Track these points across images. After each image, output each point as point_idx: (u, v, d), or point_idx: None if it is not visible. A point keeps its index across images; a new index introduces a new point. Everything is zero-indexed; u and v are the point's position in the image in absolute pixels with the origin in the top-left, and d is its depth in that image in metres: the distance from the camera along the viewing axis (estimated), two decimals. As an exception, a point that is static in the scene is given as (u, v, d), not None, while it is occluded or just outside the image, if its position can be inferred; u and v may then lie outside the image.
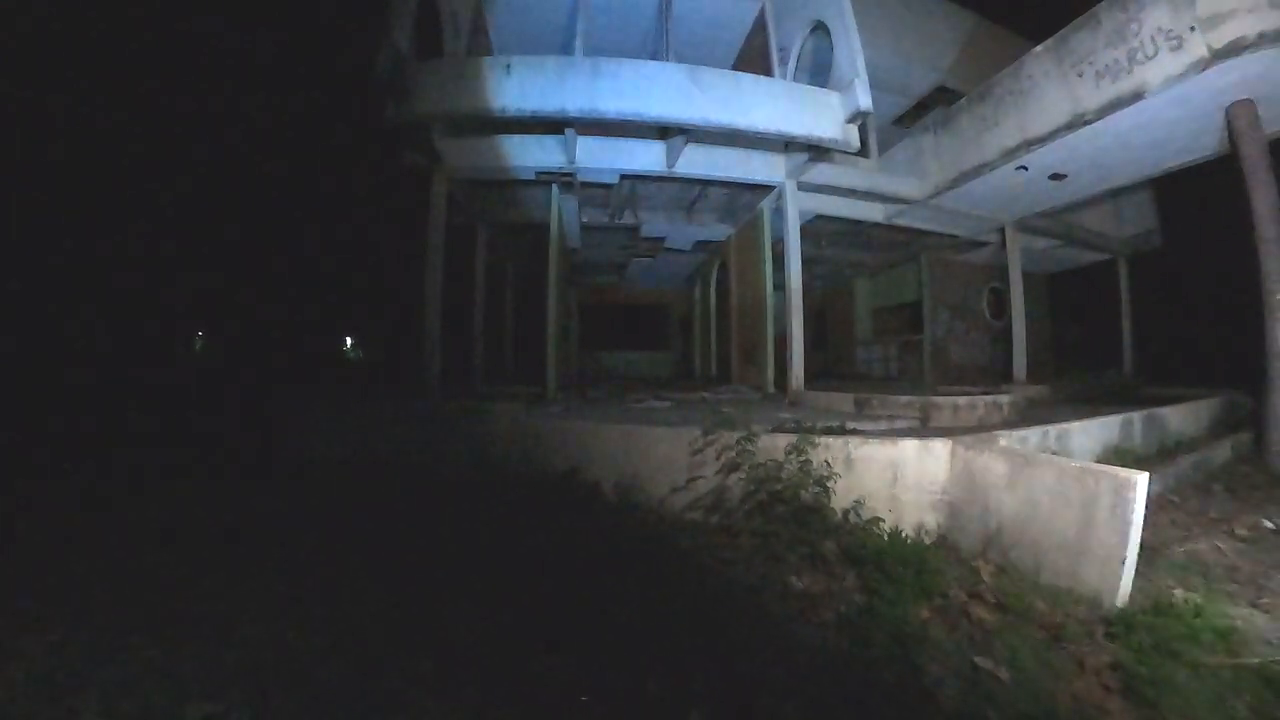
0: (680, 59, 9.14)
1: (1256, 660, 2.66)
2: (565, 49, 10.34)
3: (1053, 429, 5.46)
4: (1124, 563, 3.18)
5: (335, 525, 4.58)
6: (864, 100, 7.73)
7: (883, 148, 11.42)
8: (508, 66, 7.46)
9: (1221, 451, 6.70)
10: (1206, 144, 7.92)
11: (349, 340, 39.10)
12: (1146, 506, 3.25)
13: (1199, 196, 12.77)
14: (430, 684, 2.60)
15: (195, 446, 7.32)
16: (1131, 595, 3.22)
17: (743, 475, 4.54)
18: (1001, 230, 12.48)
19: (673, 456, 5.12)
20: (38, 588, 3.47)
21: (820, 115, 8.04)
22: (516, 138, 9.01)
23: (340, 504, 5.05)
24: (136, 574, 3.67)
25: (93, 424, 8.79)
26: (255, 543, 4.19)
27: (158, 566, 3.78)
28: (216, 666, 2.71)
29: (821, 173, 9.73)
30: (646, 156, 9.24)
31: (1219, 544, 4.26)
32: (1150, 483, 3.31)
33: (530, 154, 9.09)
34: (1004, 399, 6.71)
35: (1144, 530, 3.26)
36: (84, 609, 3.22)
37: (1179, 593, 3.17)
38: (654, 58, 10.26)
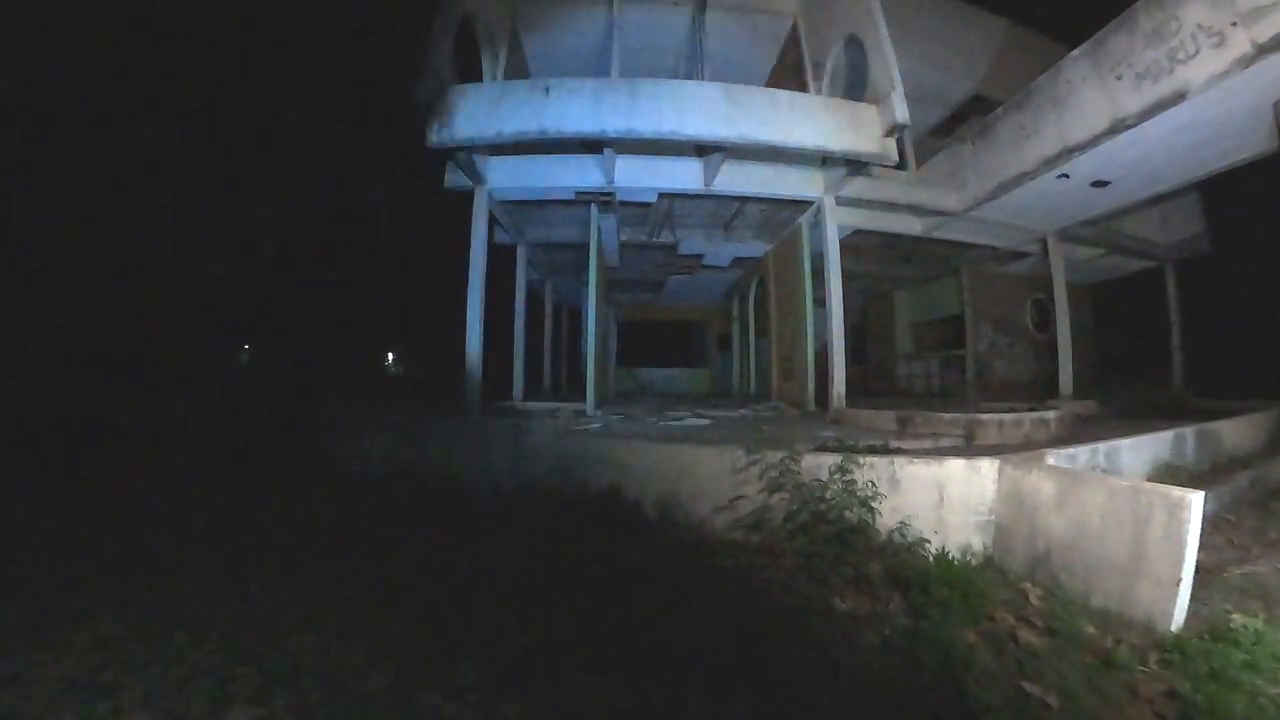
0: (714, 77, 9.22)
1: (1320, 689, 2.59)
2: (600, 70, 10.48)
3: (1102, 446, 5.34)
4: (1178, 585, 3.11)
5: (378, 536, 4.69)
6: (901, 113, 7.70)
7: (920, 160, 11.36)
8: (547, 89, 7.62)
9: (1281, 468, 6.49)
10: (1255, 143, 7.71)
11: (390, 355, 39.80)
12: (1201, 526, 3.18)
13: (1249, 198, 12.45)
14: (471, 697, 2.64)
15: (242, 457, 7.53)
16: (1187, 620, 3.14)
17: (786, 495, 4.53)
18: (1043, 240, 12.28)
19: (715, 475, 5.12)
20: (89, 585, 3.63)
21: (857, 129, 8.03)
22: (556, 158, 9.15)
23: (383, 516, 5.16)
24: (182, 577, 3.81)
25: (143, 433, 9.08)
26: (299, 551, 4.31)
27: (203, 571, 3.92)
28: (260, 672, 2.79)
29: (859, 187, 9.71)
30: (684, 175, 9.32)
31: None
32: (1205, 502, 3.23)
33: (569, 174, 9.23)
34: (1050, 415, 6.61)
35: (1199, 551, 3.19)
36: (131, 608, 3.37)
37: (1237, 617, 3.08)
38: (688, 76, 10.37)
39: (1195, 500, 3.16)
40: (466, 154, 8.23)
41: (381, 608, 3.41)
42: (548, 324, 17.04)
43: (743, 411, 9.72)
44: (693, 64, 10.31)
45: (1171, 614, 3.12)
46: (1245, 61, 6.06)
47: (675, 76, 10.66)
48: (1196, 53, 6.47)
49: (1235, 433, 7.05)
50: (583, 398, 9.67)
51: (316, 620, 3.27)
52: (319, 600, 3.52)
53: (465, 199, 9.15)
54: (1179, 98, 6.75)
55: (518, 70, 10.39)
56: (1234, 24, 6.06)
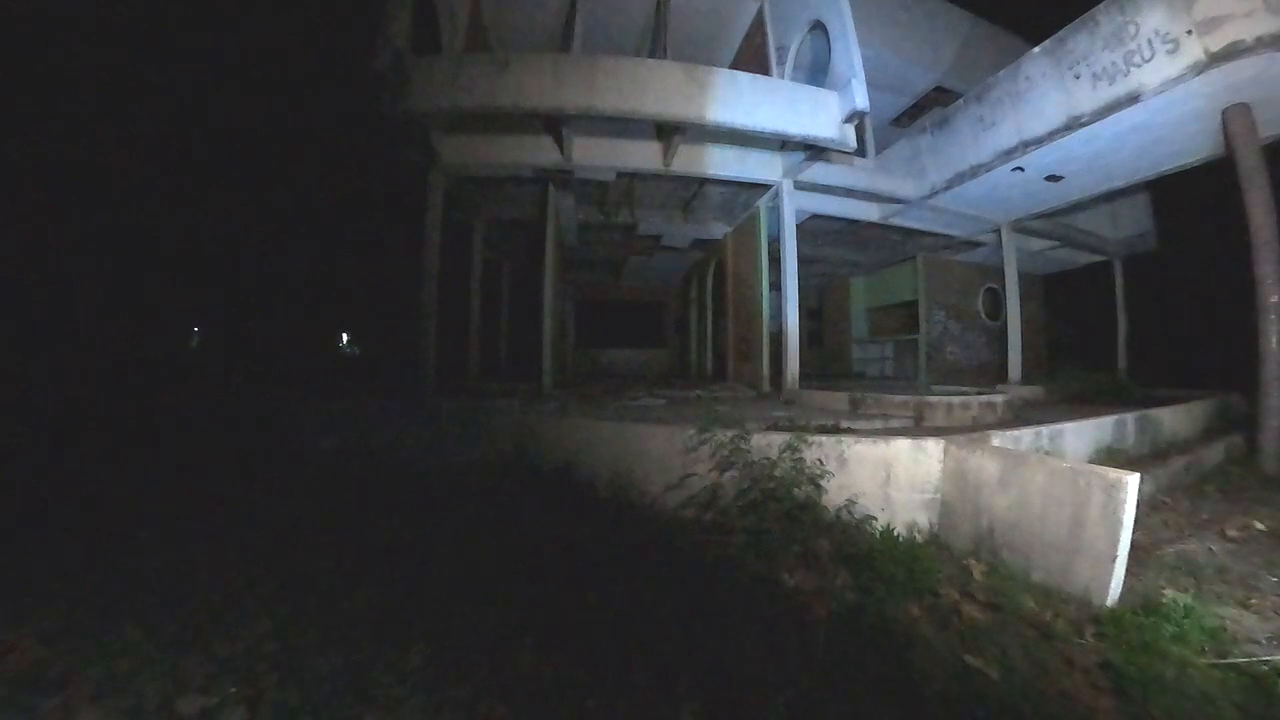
0: (678, 57, 9.13)
1: (1245, 660, 2.67)
2: (563, 45, 10.31)
3: (1046, 429, 5.47)
4: (1114, 562, 3.19)
5: (330, 520, 4.60)
6: (861, 100, 7.73)
7: (880, 148, 11.45)
8: (505, 64, 7.45)
9: (1214, 453, 6.71)
10: (1203, 147, 7.93)
11: (345, 336, 39.10)
12: (1138, 507, 3.27)
13: (1195, 199, 12.81)
14: (422, 679, 2.62)
15: (193, 442, 7.31)
16: (1122, 595, 3.24)
17: (736, 473, 4.54)
18: (997, 231, 12.49)
19: (667, 454, 5.12)
20: (35, 580, 3.48)
21: (817, 114, 8.04)
22: (514, 135, 8.98)
23: (336, 499, 5.06)
24: (132, 567, 3.68)
25: (90, 421, 8.77)
26: (250, 537, 4.20)
27: (153, 559, 3.80)
28: (210, 659, 2.73)
29: (818, 172, 9.74)
30: (643, 154, 9.22)
31: (1210, 545, 4.27)
32: (1142, 483, 3.32)
33: (527, 151, 9.06)
34: (998, 399, 6.72)
35: (1135, 530, 3.28)
36: (78, 602, 3.24)
37: (1169, 593, 3.18)
38: (651, 56, 10.25)
39: (1131, 482, 3.24)
40: (422, 129, 8.03)
41: (332, 592, 3.34)
42: (504, 304, 16.84)
43: (698, 392, 9.73)
44: (656, 43, 10.20)
45: (1107, 589, 3.20)
46: (1198, 69, 6.24)
47: (639, 55, 10.55)
48: (1152, 57, 6.62)
49: (1174, 420, 7.26)
50: (539, 378, 9.59)
51: (268, 606, 3.20)
52: (270, 586, 3.44)
53: (419, 177, 8.94)
54: (1133, 100, 6.91)
55: (478, 44, 10.16)
56: (1189, 32, 6.22)
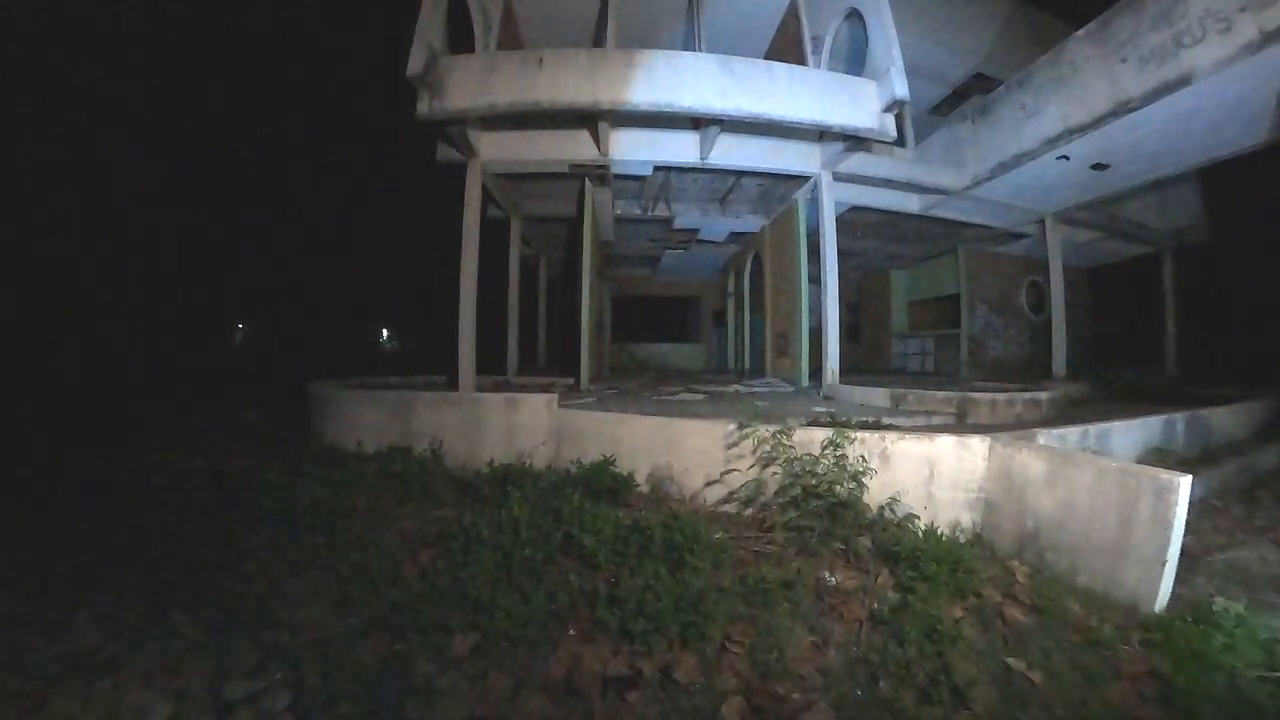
0: (712, 49, 9.07)
1: (1299, 673, 2.61)
2: (597, 41, 10.32)
3: (1092, 428, 5.35)
4: (1164, 567, 3.12)
5: (370, 511, 4.73)
6: (900, 89, 7.61)
7: (919, 137, 11.27)
8: (540, 60, 7.49)
9: (1269, 456, 6.47)
10: (1258, 132, 7.68)
11: (385, 331, 39.73)
12: (1188, 510, 3.18)
13: (1250, 188, 12.40)
14: (464, 667, 2.69)
15: (236, 435, 7.50)
16: (1170, 602, 3.16)
17: (778, 469, 4.52)
18: (1041, 222, 12.28)
19: (707, 449, 5.13)
20: (86, 569, 3.62)
21: (855, 104, 7.94)
22: (550, 131, 9.03)
23: (375, 491, 5.18)
24: (176, 556, 3.82)
25: (128, 413, 9.06)
26: (292, 527, 4.30)
27: (197, 549, 3.93)
28: (255, 646, 2.83)
29: (857, 163, 9.63)
30: (679, 148, 9.21)
31: (1264, 553, 4.15)
32: (1193, 486, 3.23)
33: (563, 147, 9.12)
34: (1043, 396, 6.61)
35: (1185, 535, 3.20)
36: (128, 588, 3.37)
37: (1220, 601, 3.09)
38: (685, 48, 10.22)
39: (1183, 484, 3.15)
40: (459, 127, 8.11)
41: (374, 581, 3.42)
42: (542, 298, 16.98)
43: (736, 387, 9.73)
44: (690, 35, 10.16)
45: (1156, 595, 3.13)
46: (1252, 49, 6.02)
47: (672, 48, 10.50)
48: (1203, 38, 6.41)
49: (1225, 420, 7.04)
50: (577, 372, 9.65)
51: (311, 594, 3.29)
52: (313, 575, 3.53)
53: (457, 173, 9.04)
54: (1183, 82, 6.69)
55: (511, 41, 10.21)
56: (1242, 10, 6.01)
